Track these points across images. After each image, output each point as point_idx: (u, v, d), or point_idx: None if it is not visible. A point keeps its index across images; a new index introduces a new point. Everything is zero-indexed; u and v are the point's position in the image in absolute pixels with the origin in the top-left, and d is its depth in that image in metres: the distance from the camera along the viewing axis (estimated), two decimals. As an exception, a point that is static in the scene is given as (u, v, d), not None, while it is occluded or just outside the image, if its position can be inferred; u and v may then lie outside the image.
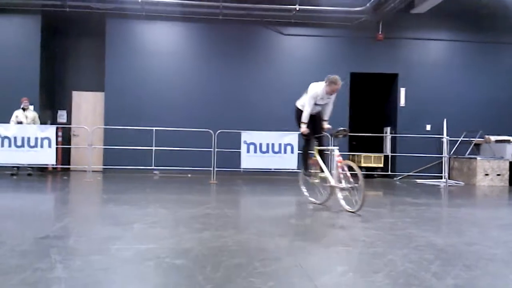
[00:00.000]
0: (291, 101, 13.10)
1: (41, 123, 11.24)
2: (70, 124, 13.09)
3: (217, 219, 5.48)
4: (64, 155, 12.66)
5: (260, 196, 8.54)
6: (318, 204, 6.92)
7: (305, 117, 6.91)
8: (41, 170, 11.97)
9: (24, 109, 11.04)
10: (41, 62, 12.33)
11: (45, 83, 12.56)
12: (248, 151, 10.84)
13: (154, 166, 11.32)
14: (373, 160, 13.23)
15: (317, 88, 6.98)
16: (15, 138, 10.41)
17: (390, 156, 13.45)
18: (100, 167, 12.24)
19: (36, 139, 10.49)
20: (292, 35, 13.29)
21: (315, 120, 7.10)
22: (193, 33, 13.04)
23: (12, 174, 10.85)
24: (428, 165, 13.14)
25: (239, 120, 12.41)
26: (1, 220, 5.46)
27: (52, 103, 13.11)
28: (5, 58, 12.22)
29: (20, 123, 10.80)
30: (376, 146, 14.13)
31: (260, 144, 10.89)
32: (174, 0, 11.98)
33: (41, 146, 10.48)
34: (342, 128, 6.77)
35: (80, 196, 8.30)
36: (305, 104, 6.96)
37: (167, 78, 12.74)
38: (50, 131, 10.69)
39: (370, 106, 15.48)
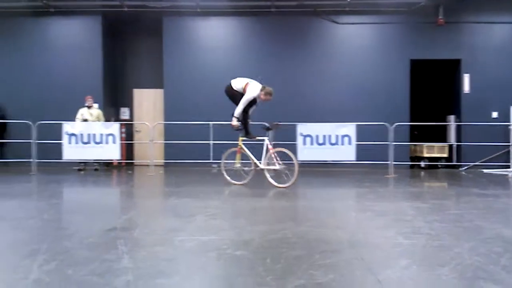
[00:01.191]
0: (347, 92, 12.94)
1: (105, 120, 11.74)
2: (132, 120, 13.59)
3: (275, 211, 5.49)
4: (128, 151, 13.16)
5: (318, 189, 8.47)
6: (240, 184, 8.21)
7: (238, 113, 8.00)
8: (107, 165, 12.54)
9: (89, 107, 11.58)
10: (103, 62, 12.86)
11: (107, 82, 13.10)
12: (304, 143, 10.76)
13: (212, 159, 11.52)
14: (436, 150, 12.73)
15: (255, 91, 8.00)
16: (81, 135, 10.95)
17: (455, 146, 12.88)
18: (161, 161, 12.61)
19: (101, 135, 10.97)
20: (347, 23, 13.01)
21: (245, 114, 8.21)
22: (246, 27, 13.09)
23: (80, 170, 11.43)
24: (496, 154, 12.45)
25: (295, 112, 12.34)
26: (70, 214, 5.77)
27: (115, 101, 13.66)
28: (70, 58, 12.84)
29: (86, 120, 11.34)
30: (439, 135, 13.57)
31: (317, 136, 10.77)
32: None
33: (106, 142, 10.96)
34: (275, 123, 8.43)
35: (144, 190, 8.60)
36: (242, 101, 7.95)
37: (222, 73, 12.85)
38: (114, 127, 11.14)
39: (431, 94, 14.88)
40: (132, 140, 13.26)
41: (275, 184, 7.95)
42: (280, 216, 5.07)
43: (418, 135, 13.72)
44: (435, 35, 12.87)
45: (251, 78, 8.24)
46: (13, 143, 11.95)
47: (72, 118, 11.40)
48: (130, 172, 11.45)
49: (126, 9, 12.46)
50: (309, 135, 10.77)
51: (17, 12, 12.58)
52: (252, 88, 8.02)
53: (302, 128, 10.82)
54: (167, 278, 2.87)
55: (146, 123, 12.16)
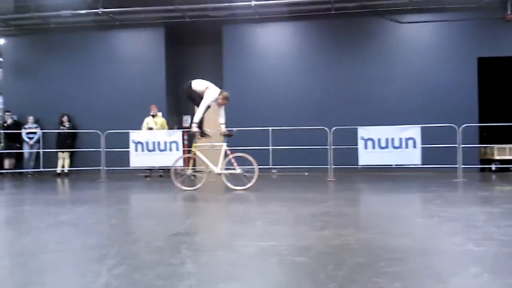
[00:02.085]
0: (410, 93, 12.52)
1: (168, 128, 12.11)
2: (193, 128, 13.92)
3: (336, 217, 5.39)
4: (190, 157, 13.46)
5: (381, 194, 8.23)
6: (191, 190, 8.27)
7: (197, 118, 8.19)
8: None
9: (153, 116, 12.01)
10: (166, 71, 13.30)
11: (170, 91, 13.51)
12: (365, 147, 10.52)
13: (272, 165, 11.54)
14: (508, 152, 11.99)
15: (214, 95, 8.21)
16: (147, 143, 11.36)
17: (529, 147, 12.08)
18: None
19: (165, 143, 11.33)
20: (410, 22, 12.61)
21: (202, 120, 8.40)
22: (305, 31, 13.05)
23: (146, 176, 11.85)
24: None
25: (355, 115, 12.11)
26: (137, 219, 5.99)
27: (177, 109, 14.06)
28: (135, 69, 13.39)
29: (151, 129, 11.76)
30: (510, 136, 12.77)
31: (379, 140, 10.49)
32: (285, 0, 12.08)
33: (170, 150, 11.30)
34: (231, 129, 8.72)
35: (206, 195, 8.76)
36: (200, 106, 8.11)
37: (282, 78, 12.90)
38: (177, 135, 11.48)
39: (501, 93, 14.06)
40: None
41: (233, 187, 8.26)
42: (341, 222, 4.97)
43: (487, 136, 12.99)
44: (504, 31, 12.17)
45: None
46: (83, 152, 12.60)
47: (138, 127, 11.85)
48: (193, 178, 11.72)
49: (187, 19, 12.83)
50: (370, 139, 10.51)
51: (85, 26, 13.30)
52: (210, 93, 8.22)
53: (363, 131, 10.58)
54: (229, 284, 2.89)
55: (208, 130, 12.38)
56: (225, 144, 8.53)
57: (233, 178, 8.48)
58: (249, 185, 8.20)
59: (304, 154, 11.58)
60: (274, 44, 13.09)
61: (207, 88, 8.27)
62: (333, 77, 12.74)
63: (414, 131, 10.36)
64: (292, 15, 12.67)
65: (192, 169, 8.67)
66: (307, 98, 12.73)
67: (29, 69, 13.65)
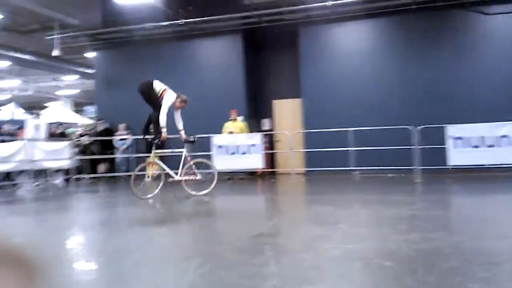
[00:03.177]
0: (501, 88, 11.63)
1: (248, 132, 12.31)
2: (272, 130, 14.03)
3: (424, 220, 5.14)
4: (270, 160, 13.58)
5: (474, 196, 7.73)
6: (147, 198, 7.79)
7: (164, 122, 7.86)
8: (251, 174, 13.07)
9: (233, 120, 12.27)
10: (245, 76, 13.53)
11: (249, 95, 13.73)
12: (455, 146, 9.93)
13: (354, 166, 11.28)
14: None
15: (172, 98, 8.00)
16: (228, 146, 11.63)
17: None
18: (302, 169, 12.75)
19: (245, 146, 11.52)
20: (497, 13, 11.73)
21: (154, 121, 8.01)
22: (384, 29, 12.62)
23: (228, 179, 12.13)
24: None
25: (442, 113, 11.46)
26: (220, 220, 6.14)
27: (256, 113, 14.24)
28: (214, 76, 13.76)
29: (231, 133, 12.02)
30: None
31: (470, 138, 9.85)
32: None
33: (250, 153, 11.47)
34: (192, 135, 8.51)
35: (287, 197, 8.78)
36: (163, 110, 7.84)
37: (361, 77, 12.59)
38: (256, 138, 11.62)
39: None
40: (273, 150, 13.66)
41: (193, 193, 7.97)
42: (430, 226, 4.73)
43: None
44: None
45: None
46: (171, 156, 13.12)
47: (219, 131, 12.17)
48: (273, 180, 11.81)
49: (264, 24, 12.97)
50: (461, 138, 9.90)
51: (167, 37, 13.91)
52: (169, 96, 8.02)
53: (453, 130, 10.00)
54: (312, 286, 2.86)
55: (286, 132, 12.44)
56: (184, 150, 8.30)
57: (194, 183, 8.16)
58: (208, 190, 8.00)
59: (388, 154, 11.17)
60: (353, 43, 12.82)
61: (165, 90, 8.10)
62: (416, 74, 12.18)
63: (509, 129, 9.61)
64: (370, 12, 12.32)
65: (151, 175, 8.11)
66: (389, 97, 12.29)
67: (119, 79, 14.54)
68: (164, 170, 8.13)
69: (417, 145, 10.21)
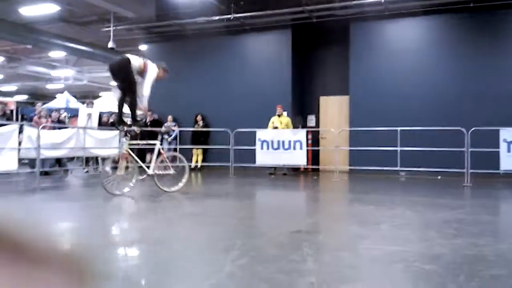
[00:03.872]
0: None
1: (293, 128, 12.27)
2: (318, 127, 13.91)
3: (472, 225, 4.94)
4: (314, 157, 13.50)
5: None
6: (120, 194, 7.10)
7: (148, 95, 7.03)
8: (294, 170, 13.06)
9: (279, 115, 12.26)
10: (292, 72, 13.47)
11: (296, 91, 13.67)
12: (508, 150, 9.48)
13: (400, 167, 11.01)
14: None
15: (155, 68, 7.08)
16: (272, 141, 11.65)
17: None
18: (346, 167, 12.59)
19: (290, 142, 11.50)
20: None
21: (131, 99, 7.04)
22: (439, 26, 12.18)
23: (270, 174, 12.15)
24: None
25: (495, 116, 10.96)
26: (262, 214, 6.16)
27: (302, 108, 14.17)
28: (262, 71, 13.80)
29: (276, 128, 12.02)
30: None
31: (525, 142, 9.38)
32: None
33: (294, 148, 11.44)
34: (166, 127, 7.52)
35: (329, 195, 8.70)
36: (148, 82, 6.98)
37: (412, 76, 12.23)
38: (301, 134, 11.57)
39: None
40: (318, 147, 13.55)
41: (165, 189, 7.45)
42: (477, 231, 4.55)
43: None
44: None
45: None
46: (215, 149, 13.34)
47: (265, 126, 12.20)
48: (315, 177, 11.72)
49: (314, 20, 12.84)
50: (515, 141, 9.46)
51: (217, 32, 14.06)
52: (152, 67, 7.07)
53: (506, 133, 9.56)
54: (350, 285, 2.82)
55: (332, 129, 12.30)
56: (158, 142, 7.75)
57: (166, 179, 7.59)
58: (179, 186, 7.61)
59: (437, 156, 10.82)
60: (405, 41, 12.46)
61: (146, 61, 7.11)
62: (471, 75, 11.70)
63: None
64: (425, 9, 11.92)
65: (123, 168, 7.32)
66: (441, 98, 11.87)
67: (169, 72, 14.84)
68: (137, 163, 7.41)
69: (468, 148, 9.83)
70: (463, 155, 9.89)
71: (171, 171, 7.52)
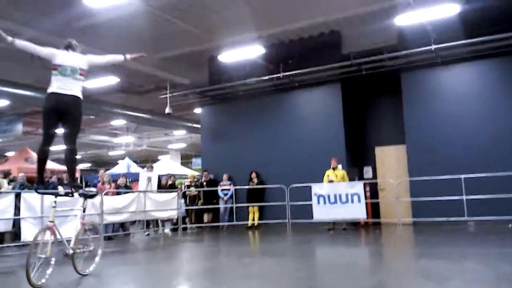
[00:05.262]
0: None
1: (349, 180, 12.04)
2: (375, 178, 13.56)
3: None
4: (374, 209, 13.08)
5: None
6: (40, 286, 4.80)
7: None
8: (354, 224, 12.65)
9: (334, 169, 12.10)
10: (344, 124, 13.40)
11: (349, 143, 13.53)
12: None
13: (467, 216, 10.41)
14: None
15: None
16: (328, 195, 11.47)
17: None
18: (409, 219, 12.06)
19: (347, 195, 11.26)
20: None
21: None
22: (493, 70, 11.76)
23: (329, 229, 11.84)
24: None
25: None
26: (323, 273, 5.96)
27: (357, 160, 13.94)
28: (313, 125, 13.82)
29: (331, 181, 11.84)
30: None
31: None
32: (471, 40, 11.15)
33: (352, 202, 11.17)
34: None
35: (392, 250, 8.32)
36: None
37: (470, 122, 11.79)
38: (358, 187, 11.32)
39: None
40: (377, 199, 13.15)
41: (84, 272, 5.57)
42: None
43: None
44: None
45: None
46: (271, 206, 13.27)
47: (319, 180, 12.07)
48: (377, 231, 11.30)
49: (364, 72, 12.90)
50: None
51: (267, 91, 14.41)
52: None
53: None
54: None
55: (391, 180, 11.96)
56: (82, 207, 5.99)
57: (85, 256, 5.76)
58: (94, 265, 5.84)
59: (506, 203, 10.16)
60: (459, 87, 12.14)
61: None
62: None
63: None
64: (478, 54, 11.66)
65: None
66: (505, 142, 11.32)
67: (222, 133, 15.29)
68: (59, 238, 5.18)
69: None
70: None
71: (92, 247, 5.76)
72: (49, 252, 4.78)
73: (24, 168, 15.35)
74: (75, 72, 5.15)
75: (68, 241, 5.35)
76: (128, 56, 5.61)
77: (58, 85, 5.04)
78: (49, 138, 5.09)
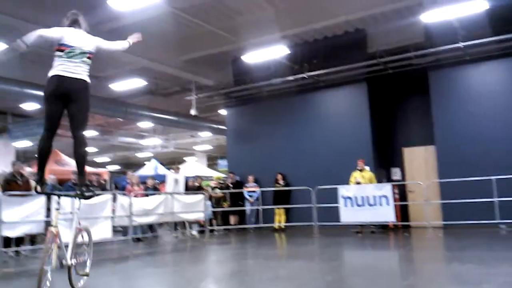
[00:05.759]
0: None
1: (377, 182, 11.86)
2: (404, 180, 13.31)
3: None
4: (403, 212, 12.83)
5: None
6: None
7: None
8: (383, 228, 12.43)
9: (361, 170, 11.94)
10: (371, 125, 13.21)
11: (377, 144, 13.32)
12: None
13: (499, 219, 10.12)
14: None
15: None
16: (355, 197, 11.31)
17: None
18: (439, 222, 11.80)
19: (374, 197, 11.08)
20: None
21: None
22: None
23: (357, 232, 11.68)
24: None
25: None
26: (351, 277, 5.88)
27: (385, 162, 13.72)
28: (339, 126, 13.66)
29: (359, 183, 11.69)
30: None
31: None
32: (500, 36, 10.87)
33: (380, 204, 10.99)
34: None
35: (423, 253, 8.16)
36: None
37: (502, 120, 11.45)
38: (386, 189, 11.13)
39: None
40: (405, 201, 12.91)
41: (76, 286, 4.67)
42: None
43: None
44: None
45: None
46: (297, 208, 13.20)
47: (346, 182, 11.93)
48: (406, 234, 11.11)
49: (390, 71, 12.71)
50: None
51: (292, 91, 14.34)
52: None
53: None
54: None
55: (420, 182, 11.73)
56: (77, 209, 4.85)
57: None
58: (86, 276, 4.93)
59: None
60: (490, 84, 11.80)
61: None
62: None
63: None
64: (507, 51, 11.33)
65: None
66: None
67: (248, 134, 15.28)
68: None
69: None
70: None
71: (86, 256, 5.04)
72: (54, 263, 4.06)
73: (54, 170, 15.69)
74: (84, 54, 4.52)
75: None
76: (131, 41, 5.09)
77: (64, 67, 4.39)
78: (52, 130, 4.44)
